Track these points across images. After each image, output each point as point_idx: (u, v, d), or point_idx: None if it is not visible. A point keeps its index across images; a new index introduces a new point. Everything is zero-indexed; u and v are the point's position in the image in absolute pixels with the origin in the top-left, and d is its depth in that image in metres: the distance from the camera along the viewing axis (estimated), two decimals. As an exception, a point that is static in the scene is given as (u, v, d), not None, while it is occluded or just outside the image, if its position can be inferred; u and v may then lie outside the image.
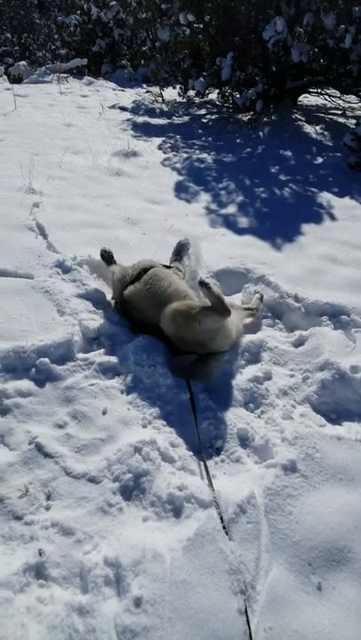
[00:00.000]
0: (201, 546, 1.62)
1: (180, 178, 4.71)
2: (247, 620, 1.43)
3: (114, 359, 2.35)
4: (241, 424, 2.15)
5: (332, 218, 4.08)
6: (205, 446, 2.07)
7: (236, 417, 2.19)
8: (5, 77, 10.57)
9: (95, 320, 2.50)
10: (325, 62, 6.51)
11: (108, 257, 2.90)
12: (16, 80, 11.20)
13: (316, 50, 6.71)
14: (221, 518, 1.68)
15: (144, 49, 9.59)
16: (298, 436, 2.06)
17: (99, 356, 2.35)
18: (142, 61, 9.80)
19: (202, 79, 7.09)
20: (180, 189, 4.41)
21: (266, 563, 1.64)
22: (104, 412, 2.05)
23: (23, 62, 12.06)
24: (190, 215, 3.87)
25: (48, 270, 2.77)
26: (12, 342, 2.23)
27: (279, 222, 3.95)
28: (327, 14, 5.75)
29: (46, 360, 2.18)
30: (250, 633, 1.41)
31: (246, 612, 1.45)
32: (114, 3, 12.96)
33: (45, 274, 2.73)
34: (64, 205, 3.63)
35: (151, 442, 1.94)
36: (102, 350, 2.41)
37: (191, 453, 1.99)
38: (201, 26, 7.88)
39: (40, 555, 1.57)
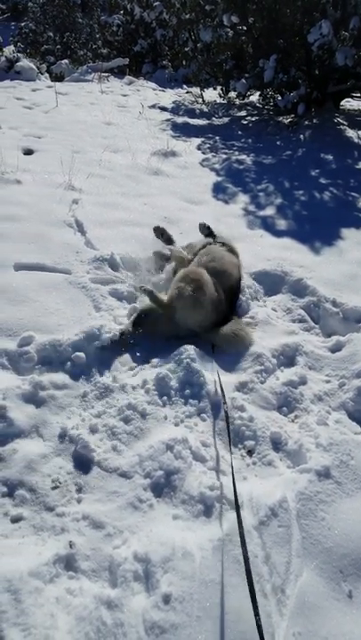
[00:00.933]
0: (231, 547, 1.61)
1: (219, 178, 4.70)
2: (258, 624, 1.38)
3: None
4: (274, 427, 2.12)
5: (373, 223, 3.99)
6: (237, 447, 2.05)
7: (269, 420, 2.16)
8: (47, 75, 10.78)
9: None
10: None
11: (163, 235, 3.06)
12: (58, 78, 11.42)
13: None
14: (240, 523, 1.63)
15: (186, 49, 9.60)
16: (332, 442, 2.02)
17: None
18: (184, 62, 9.83)
19: (243, 80, 7.05)
20: (217, 190, 4.40)
21: (296, 567, 1.61)
22: (136, 409, 2.06)
23: (65, 60, 12.29)
24: (228, 216, 3.85)
25: (86, 266, 2.80)
26: (49, 335, 2.26)
27: (318, 226, 3.89)
28: (374, 17, 5.62)
29: (82, 354, 2.21)
30: (261, 635, 1.35)
31: (257, 615, 1.40)
32: (157, 3, 13.07)
33: (83, 270, 2.77)
34: (102, 203, 3.68)
35: (183, 440, 1.93)
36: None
37: (223, 454, 1.98)
38: (244, 27, 7.85)
39: (70, 547, 1.58)
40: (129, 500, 1.75)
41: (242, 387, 2.30)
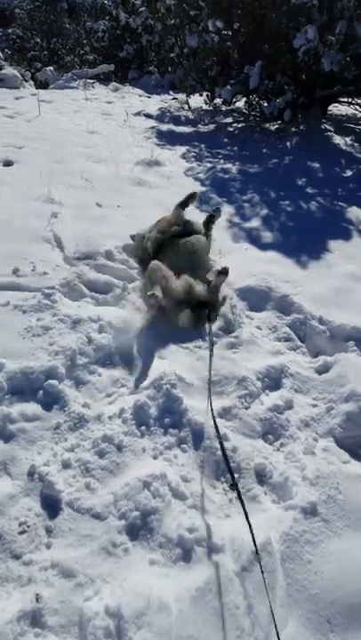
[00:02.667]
0: (211, 597, 1.50)
1: (203, 189, 4.60)
2: None
3: (128, 380, 2.26)
4: (259, 458, 2.01)
5: (361, 234, 3.92)
6: (219, 481, 1.94)
7: (253, 449, 2.05)
8: (32, 82, 10.66)
9: (106, 339, 2.40)
10: (357, 71, 6.32)
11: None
12: (43, 85, 11.30)
13: (348, 59, 6.54)
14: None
15: (172, 55, 9.54)
16: (320, 474, 1.92)
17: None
18: (169, 68, 9.74)
19: (229, 87, 6.99)
20: (202, 201, 4.30)
21: (281, 618, 1.50)
22: (112, 441, 1.94)
23: (50, 67, 12.16)
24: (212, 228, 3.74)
25: (61, 287, 2.68)
26: (21, 362, 2.14)
27: (305, 238, 3.80)
28: (360, 23, 5.58)
29: (55, 382, 2.09)
30: None
31: None
32: (143, 9, 13.02)
33: (59, 289, 2.64)
34: (83, 216, 3.56)
35: (161, 476, 1.82)
36: (116, 371, 2.31)
37: (204, 489, 1.87)
38: (230, 33, 7.79)
39: (37, 600, 1.46)
40: (102, 544, 1.64)
41: (225, 413, 2.20)
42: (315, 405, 2.33)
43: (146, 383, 2.20)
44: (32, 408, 2.01)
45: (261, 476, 1.97)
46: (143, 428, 2.02)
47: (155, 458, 1.93)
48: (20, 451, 1.85)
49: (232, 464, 1.97)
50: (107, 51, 14.41)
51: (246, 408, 2.23)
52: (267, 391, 2.37)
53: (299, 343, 2.76)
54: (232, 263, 3.15)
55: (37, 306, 2.48)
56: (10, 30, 20.81)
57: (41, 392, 2.07)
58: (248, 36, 7.40)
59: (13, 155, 4.62)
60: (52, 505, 1.72)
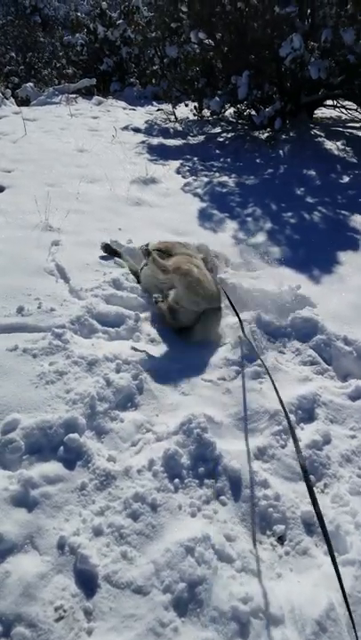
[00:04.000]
0: None
1: (203, 205, 4.47)
2: None
3: (153, 424, 2.09)
4: (304, 504, 1.85)
5: (370, 244, 3.81)
6: (265, 535, 1.78)
7: (297, 495, 1.90)
8: (12, 100, 10.49)
9: (124, 379, 2.23)
10: (344, 77, 6.27)
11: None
12: (24, 102, 11.14)
13: (333, 64, 6.49)
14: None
15: (154, 68, 9.46)
16: (373, 520, 1.76)
17: (134, 423, 2.08)
18: (153, 80, 9.65)
19: (217, 98, 6.89)
20: (204, 217, 4.17)
21: None
22: (144, 500, 1.77)
23: (30, 84, 12.02)
24: (219, 247, 3.60)
25: (72, 324, 2.51)
26: (37, 415, 1.96)
27: (313, 250, 3.68)
28: (346, 29, 5.52)
29: (75, 436, 1.91)
30: None
31: None
32: (120, 21, 12.97)
33: (70, 327, 2.47)
34: (84, 242, 3.40)
35: (204, 538, 1.65)
36: (139, 414, 2.15)
37: (251, 547, 1.70)
38: (212, 43, 7.72)
39: None
40: (149, 624, 1.46)
41: (261, 454, 2.04)
42: (353, 437, 2.19)
43: (173, 427, 2.04)
44: (53, 468, 1.83)
45: (310, 525, 1.81)
46: (177, 480, 1.86)
47: (193, 515, 1.76)
48: (46, 520, 1.67)
49: (277, 514, 1.82)
50: (86, 64, 14.32)
51: (283, 447, 2.07)
52: (301, 424, 2.22)
53: (325, 366, 2.61)
54: (247, 285, 3.03)
55: (49, 348, 2.31)
56: (-17, 46, 20.61)
57: (61, 448, 1.89)
58: (231, 46, 7.33)
59: (4, 180, 4.44)
60: (88, 582, 1.54)
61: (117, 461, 1.92)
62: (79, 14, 15.08)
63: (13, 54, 19.95)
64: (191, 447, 1.95)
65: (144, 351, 2.43)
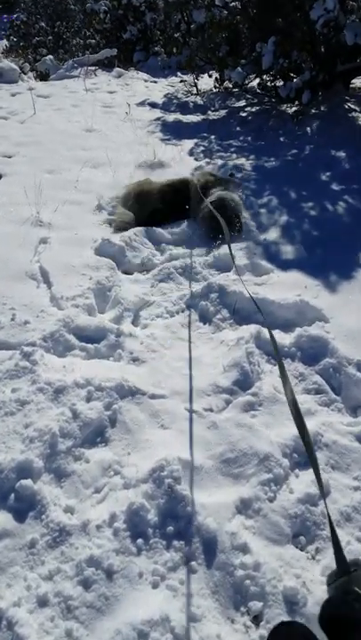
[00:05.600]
0: None
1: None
2: None
3: (122, 464, 1.85)
4: (289, 577, 1.58)
5: None
6: (238, 612, 1.52)
7: (282, 562, 1.62)
8: (31, 75, 10.13)
9: (94, 410, 1.98)
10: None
11: None
12: (43, 76, 10.77)
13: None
14: None
15: (176, 35, 8.87)
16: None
17: (101, 465, 1.84)
18: (175, 49, 9.07)
19: (240, 69, 6.35)
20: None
21: None
22: (100, 565, 1.53)
23: (50, 57, 11.59)
24: (225, 246, 3.25)
25: (44, 341, 2.26)
26: (-12, 457, 1.74)
27: (333, 250, 3.28)
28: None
29: (28, 483, 1.68)
30: None
31: None
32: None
33: (42, 345, 2.22)
34: (75, 240, 3.12)
35: (162, 620, 1.41)
36: (108, 452, 1.90)
37: (219, 630, 1.45)
38: (239, 6, 7.10)
39: None
40: None
41: (244, 507, 1.76)
42: (357, 488, 1.87)
43: (144, 473, 1.78)
44: (1, 520, 1.61)
45: (292, 604, 1.53)
46: (140, 541, 1.61)
47: (155, 586, 1.52)
48: (-17, 588, 1.46)
49: (254, 588, 1.55)
50: (110, 33, 13.72)
51: (271, 500, 1.79)
52: (296, 471, 1.92)
53: (333, 396, 2.28)
54: (250, 290, 2.70)
55: (14, 370, 2.08)
56: (14, 16, 20.16)
57: (12, 496, 1.67)
58: (259, 9, 6.71)
59: (3, 167, 4.19)
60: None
61: (76, 513, 1.68)
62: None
63: (43, 24, 19.40)
64: (161, 500, 1.69)
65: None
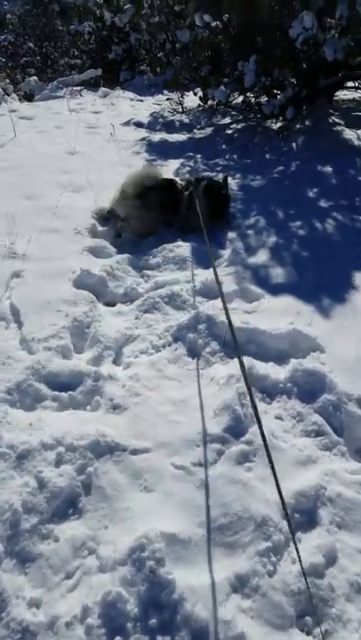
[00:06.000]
0: None
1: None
2: None
3: (98, 540, 1.60)
4: None
5: (393, 260, 3.18)
6: None
7: (285, 656, 1.38)
8: (15, 96, 10.05)
9: (66, 476, 1.74)
10: (362, 59, 5.54)
11: None
12: (27, 97, 10.71)
13: (352, 43, 5.75)
14: None
15: (159, 55, 8.82)
16: None
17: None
18: (158, 69, 9.02)
19: (223, 87, 6.24)
20: (198, 236, 3.60)
21: None
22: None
23: (34, 77, 11.57)
24: (208, 275, 3.06)
25: (9, 394, 2.03)
26: None
27: (324, 271, 3.09)
28: (364, 3, 4.80)
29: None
30: None
31: None
32: (128, 6, 12.31)
33: (7, 398, 1.99)
34: (51, 272, 2.91)
35: None
36: (81, 526, 1.66)
37: None
38: (220, 26, 7.05)
39: None
40: None
41: (241, 585, 1.52)
42: (367, 552, 1.64)
43: (122, 552, 1.54)
44: None
45: None
46: (118, 639, 1.36)
47: None
48: None
49: None
50: (95, 53, 13.75)
51: (271, 574, 1.55)
52: (298, 534, 1.69)
53: (335, 437, 2.06)
54: (238, 323, 2.49)
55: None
56: (2, 37, 20.31)
57: None
58: (240, 28, 6.65)
59: (-22, 193, 3.99)
60: None
61: (42, 606, 1.44)
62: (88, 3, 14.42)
63: (31, 44, 19.53)
64: (141, 587, 1.45)
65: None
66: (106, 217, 3.78)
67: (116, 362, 2.43)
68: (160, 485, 1.79)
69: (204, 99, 6.98)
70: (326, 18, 5.80)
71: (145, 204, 3.58)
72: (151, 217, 3.63)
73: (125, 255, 3.29)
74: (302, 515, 1.73)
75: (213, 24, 6.97)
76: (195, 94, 8.26)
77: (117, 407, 2.10)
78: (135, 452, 1.91)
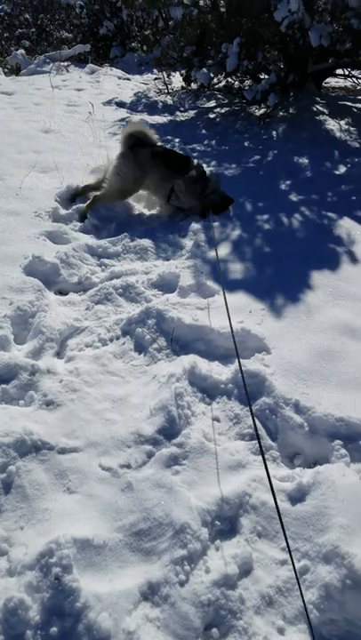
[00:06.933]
0: None
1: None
2: None
3: (12, 542, 1.58)
4: None
5: (353, 259, 3.14)
6: None
7: (185, 668, 1.37)
8: (0, 70, 9.73)
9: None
10: (350, 45, 5.40)
11: None
12: (14, 71, 10.38)
13: (340, 29, 5.60)
14: None
15: (146, 33, 8.55)
16: None
17: None
18: (144, 47, 8.76)
19: (205, 70, 6.08)
20: (163, 225, 3.53)
21: None
22: None
23: (21, 51, 11.19)
24: (171, 267, 3.00)
25: None
26: None
27: (283, 269, 3.05)
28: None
29: None
30: None
31: None
32: (120, -21, 11.91)
33: None
34: (4, 258, 2.83)
35: None
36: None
37: None
38: (209, 3, 6.82)
39: None
40: None
41: (151, 593, 1.51)
42: (283, 562, 1.63)
43: (32, 556, 1.51)
44: None
45: None
46: (16, 647, 1.34)
47: None
48: None
49: None
50: (86, 28, 13.35)
51: (182, 583, 1.53)
52: (217, 542, 1.67)
53: (268, 442, 2.04)
54: (188, 318, 2.46)
55: None
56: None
57: None
58: (228, 8, 6.44)
59: None
60: None
61: None
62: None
63: (28, 16, 18.87)
64: (45, 595, 1.42)
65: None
66: (73, 196, 3.72)
67: (59, 355, 2.38)
68: (84, 487, 1.76)
69: (186, 80, 6.80)
70: (315, 2, 5.64)
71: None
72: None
73: (84, 242, 3.21)
74: (223, 522, 1.71)
75: (202, 3, 6.76)
76: (181, 75, 8.06)
77: (51, 403, 2.06)
78: (63, 451, 1.87)
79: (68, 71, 9.90)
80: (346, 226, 3.51)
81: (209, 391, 2.22)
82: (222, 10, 6.54)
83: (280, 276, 2.95)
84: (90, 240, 3.29)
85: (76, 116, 6.11)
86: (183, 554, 1.58)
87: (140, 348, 2.48)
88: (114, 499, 1.74)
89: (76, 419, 2.02)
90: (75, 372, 2.26)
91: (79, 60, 11.12)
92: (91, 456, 1.88)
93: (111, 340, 2.53)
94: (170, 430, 1.99)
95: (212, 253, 3.18)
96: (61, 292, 2.91)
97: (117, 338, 2.53)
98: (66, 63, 10.42)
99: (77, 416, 2.04)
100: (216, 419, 2.12)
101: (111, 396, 2.17)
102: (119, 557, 1.58)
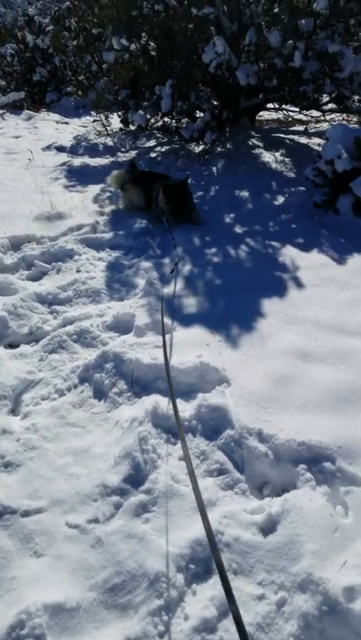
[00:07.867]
0: None
1: (114, 249, 3.86)
2: None
3: None
4: None
5: (299, 285, 3.28)
6: None
7: None
8: None
9: None
10: (276, 83, 5.77)
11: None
12: None
13: (266, 67, 5.99)
14: None
15: (80, 78, 8.80)
16: None
17: None
18: (79, 92, 9.00)
19: (141, 112, 6.30)
20: (113, 268, 3.57)
21: None
22: None
23: None
24: (122, 308, 3.03)
25: None
26: None
27: (235, 299, 3.14)
28: (271, 31, 5.01)
29: None
30: None
31: None
32: (50, 28, 12.23)
33: None
34: None
35: None
36: None
37: None
38: (139, 48, 7.13)
39: None
40: None
41: (130, 651, 1.46)
42: (261, 597, 1.62)
43: (1, 632, 1.44)
44: None
45: None
46: None
47: None
48: None
49: None
50: (19, 75, 13.54)
51: (162, 635, 1.50)
52: (193, 586, 1.65)
53: (237, 475, 2.05)
54: (146, 358, 2.47)
55: None
56: None
57: None
58: (158, 52, 6.76)
59: None
60: None
61: None
62: (6, 22, 14.24)
63: None
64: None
65: None
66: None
67: (14, 412, 2.32)
68: (52, 548, 1.71)
69: (124, 122, 7.01)
70: (240, 44, 6.02)
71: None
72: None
73: (32, 290, 3.19)
74: (197, 564, 1.70)
75: (132, 47, 7.05)
76: (119, 116, 8.31)
77: (9, 465, 2.00)
78: (27, 513, 1.81)
79: (3, 119, 9.98)
80: (289, 253, 3.67)
81: (173, 430, 2.23)
82: (153, 53, 6.87)
83: (233, 306, 3.03)
84: (39, 288, 3.27)
85: (16, 164, 6.14)
86: (160, 604, 1.55)
87: (100, 394, 2.46)
88: (84, 556, 1.69)
89: (38, 478, 1.97)
90: (32, 429, 2.21)
91: (15, 107, 11.25)
92: (56, 515, 1.83)
93: (69, 390, 2.50)
94: (136, 477, 1.97)
95: (165, 290, 3.23)
96: (12, 345, 2.86)
97: (75, 386, 2.51)
98: (1, 111, 10.51)
99: (38, 475, 1.98)
100: (183, 458, 2.12)
101: (73, 449, 2.13)
102: (94, 617, 1.53)
